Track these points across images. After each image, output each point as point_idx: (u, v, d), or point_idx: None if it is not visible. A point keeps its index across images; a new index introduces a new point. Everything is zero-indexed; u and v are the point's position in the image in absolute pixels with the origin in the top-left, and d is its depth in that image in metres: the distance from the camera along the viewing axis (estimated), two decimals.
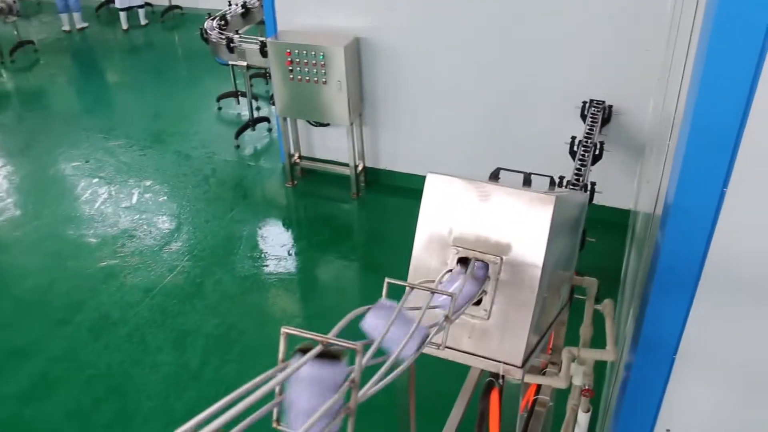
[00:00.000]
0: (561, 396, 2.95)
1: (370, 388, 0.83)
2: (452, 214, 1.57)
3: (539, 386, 2.82)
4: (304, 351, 0.78)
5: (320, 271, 5.74)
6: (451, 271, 1.43)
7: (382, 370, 0.89)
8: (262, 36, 7.67)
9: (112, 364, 4.61)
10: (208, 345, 4.75)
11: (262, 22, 7.93)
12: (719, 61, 1.56)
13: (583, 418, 2.87)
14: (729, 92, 1.57)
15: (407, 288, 1.15)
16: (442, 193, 1.58)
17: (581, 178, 3.95)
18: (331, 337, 0.81)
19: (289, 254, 5.84)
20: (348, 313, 0.94)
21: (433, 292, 1.14)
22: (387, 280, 1.13)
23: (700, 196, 1.71)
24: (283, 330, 0.82)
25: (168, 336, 4.85)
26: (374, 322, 0.94)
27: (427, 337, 1.06)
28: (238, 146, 7.59)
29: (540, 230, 1.49)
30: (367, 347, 0.91)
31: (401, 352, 0.93)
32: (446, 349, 1.57)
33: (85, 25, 12.14)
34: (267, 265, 5.65)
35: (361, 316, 0.99)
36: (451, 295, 1.16)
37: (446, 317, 1.15)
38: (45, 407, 4.29)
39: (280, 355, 0.82)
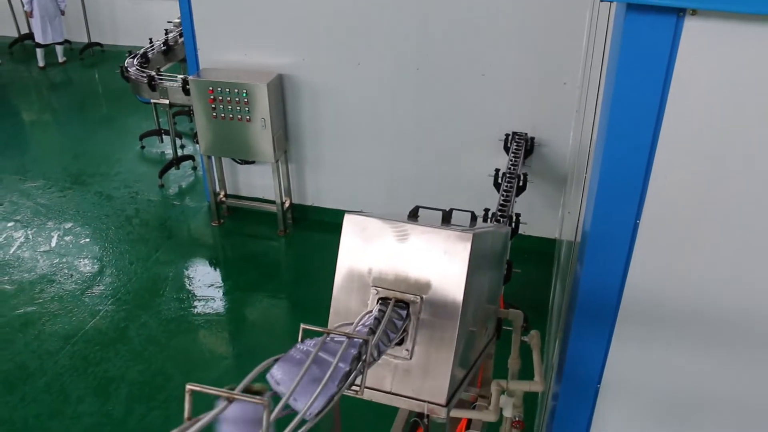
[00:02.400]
0: (493, 429, 2.95)
1: None
2: (371, 254, 1.55)
3: (470, 420, 2.82)
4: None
5: (248, 310, 5.63)
6: (370, 312, 1.41)
7: (292, 424, 0.85)
8: (184, 73, 7.58)
9: (28, 418, 4.38)
10: (133, 392, 4.58)
11: (184, 60, 7.84)
12: (626, 94, 1.61)
13: None
14: (637, 124, 1.62)
15: (324, 334, 1.12)
16: (360, 234, 1.57)
17: (506, 210, 4.01)
18: (236, 392, 0.77)
19: (217, 294, 5.72)
20: (269, 357, 0.91)
21: (349, 336, 1.11)
22: (302, 326, 1.11)
23: (614, 228, 1.75)
24: (188, 387, 0.78)
25: (90, 384, 4.66)
26: (283, 374, 0.91)
27: (341, 388, 1.04)
28: (162, 186, 7.43)
29: (458, 268, 1.49)
30: (276, 399, 0.88)
31: (312, 405, 0.90)
32: (367, 390, 1.55)
33: None
34: (194, 307, 5.51)
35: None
36: (366, 339, 1.14)
37: (363, 362, 1.13)
38: None
39: (186, 414, 0.78)
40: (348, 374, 1.07)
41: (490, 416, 2.41)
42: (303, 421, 0.87)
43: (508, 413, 2.71)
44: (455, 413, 2.49)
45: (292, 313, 5.57)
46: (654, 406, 2.09)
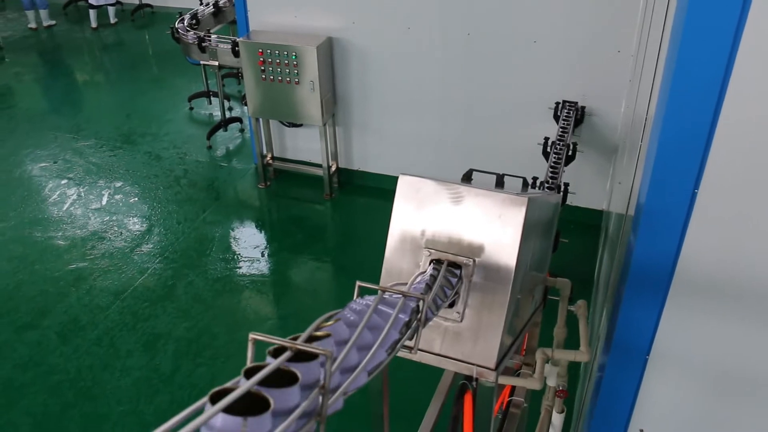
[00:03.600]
0: (535, 397, 2.95)
1: (339, 396, 0.80)
2: (424, 215, 1.55)
3: (513, 387, 2.82)
4: (275, 355, 0.76)
5: (293, 272, 5.70)
6: (423, 273, 1.41)
7: (360, 367, 0.86)
8: (234, 35, 7.61)
9: (82, 369, 4.52)
10: (180, 348, 4.69)
11: (234, 22, 7.87)
12: (690, 64, 1.56)
13: (557, 419, 2.87)
14: (700, 94, 1.57)
15: (379, 291, 1.12)
16: (414, 195, 1.57)
17: (555, 179, 3.96)
18: (300, 342, 0.78)
19: (262, 256, 5.79)
20: (319, 317, 0.92)
21: (404, 295, 1.12)
22: (358, 283, 1.11)
23: (671, 198, 1.71)
24: (251, 336, 0.79)
25: (139, 340, 4.78)
26: (344, 325, 0.92)
27: (398, 342, 1.04)
28: (210, 147, 7.51)
29: (513, 232, 1.48)
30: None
31: (372, 358, 0.91)
32: (419, 352, 1.56)
33: (53, 22, 11.94)
34: (240, 267, 5.59)
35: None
36: (422, 298, 1.14)
37: (418, 321, 1.13)
38: (11, 414, 4.20)
39: (249, 361, 0.79)
40: (407, 325, 1.08)
41: (534, 384, 2.41)
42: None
43: (552, 382, 2.71)
44: (501, 380, 2.50)
45: (336, 276, 5.61)
46: (703, 380, 2.06)
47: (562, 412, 2.83)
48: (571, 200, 4.63)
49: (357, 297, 1.10)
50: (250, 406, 0.66)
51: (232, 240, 6.02)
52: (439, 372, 2.15)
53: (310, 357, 0.77)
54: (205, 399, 0.65)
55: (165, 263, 5.60)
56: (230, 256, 5.74)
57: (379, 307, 1.04)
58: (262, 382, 0.69)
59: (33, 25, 11.76)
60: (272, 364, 0.71)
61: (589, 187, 5.58)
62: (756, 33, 1.46)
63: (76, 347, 4.70)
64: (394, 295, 1.12)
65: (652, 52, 2.86)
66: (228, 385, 0.68)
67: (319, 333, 0.85)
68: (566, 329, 2.74)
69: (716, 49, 1.51)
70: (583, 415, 2.92)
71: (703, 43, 1.52)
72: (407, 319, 1.08)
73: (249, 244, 5.97)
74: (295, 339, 0.81)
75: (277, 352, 0.77)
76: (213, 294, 5.25)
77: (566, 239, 3.43)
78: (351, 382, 0.84)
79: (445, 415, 2.02)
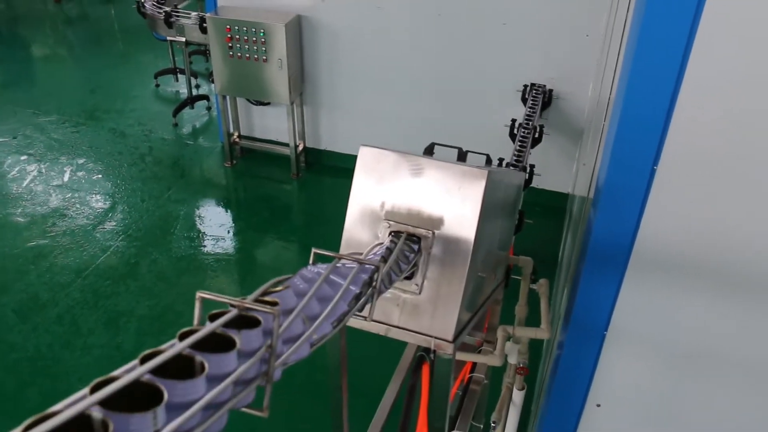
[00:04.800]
0: (497, 374, 2.98)
1: (279, 366, 0.79)
2: (384, 187, 1.54)
3: (474, 364, 2.84)
4: (219, 317, 0.74)
5: (259, 251, 5.66)
6: (381, 244, 1.40)
7: (304, 336, 0.85)
8: (201, 11, 7.48)
9: (41, 347, 4.46)
10: (143, 327, 4.64)
11: None
12: (650, 44, 1.57)
13: (517, 396, 2.90)
14: (660, 73, 1.58)
15: (335, 259, 1.11)
16: (375, 167, 1.56)
17: (521, 160, 3.98)
18: (248, 301, 0.77)
19: (228, 234, 5.75)
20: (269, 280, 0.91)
21: (360, 262, 1.11)
22: (314, 249, 1.10)
23: (630, 175, 1.73)
24: (199, 294, 0.77)
25: (100, 317, 4.72)
26: (293, 294, 0.90)
27: (347, 314, 1.03)
28: (176, 124, 7.41)
29: (472, 205, 1.47)
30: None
31: (316, 329, 0.90)
32: (375, 322, 1.56)
33: None
34: (204, 246, 5.54)
35: None
36: (377, 266, 1.13)
37: (373, 288, 1.13)
38: None
39: (195, 321, 0.78)
40: (358, 297, 1.07)
41: (494, 360, 2.43)
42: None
43: (513, 359, 2.73)
44: (460, 356, 2.51)
45: (302, 255, 5.59)
46: (660, 356, 2.09)
47: (522, 389, 2.85)
48: (537, 183, 4.66)
49: (312, 263, 1.09)
50: (187, 371, 0.65)
51: (197, 218, 5.96)
52: (401, 348, 2.15)
53: (253, 325, 0.76)
54: (135, 361, 0.63)
55: (128, 241, 5.52)
56: (195, 234, 5.68)
57: (332, 276, 1.03)
58: (202, 347, 0.68)
59: None
60: (209, 326, 0.70)
61: (555, 169, 5.61)
62: (715, 12, 1.47)
63: (36, 325, 4.63)
64: (349, 265, 1.11)
65: (618, 35, 2.88)
66: (163, 347, 0.66)
67: (266, 299, 0.83)
68: (528, 307, 2.76)
69: (676, 29, 1.52)
70: (544, 392, 2.95)
71: (663, 23, 1.53)
72: (358, 291, 1.07)
73: (214, 222, 5.91)
74: (244, 299, 0.79)
75: (216, 317, 0.75)
76: (177, 272, 5.20)
77: (531, 220, 3.46)
78: (293, 353, 0.82)
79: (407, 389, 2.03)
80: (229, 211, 6.23)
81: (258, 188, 6.58)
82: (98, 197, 6.14)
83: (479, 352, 2.64)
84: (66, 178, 6.42)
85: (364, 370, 2.99)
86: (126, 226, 5.73)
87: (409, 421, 1.88)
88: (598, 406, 2.26)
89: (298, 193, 6.47)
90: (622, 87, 1.76)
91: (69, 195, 6.13)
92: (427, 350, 1.62)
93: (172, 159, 6.84)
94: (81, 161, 6.72)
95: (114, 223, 5.75)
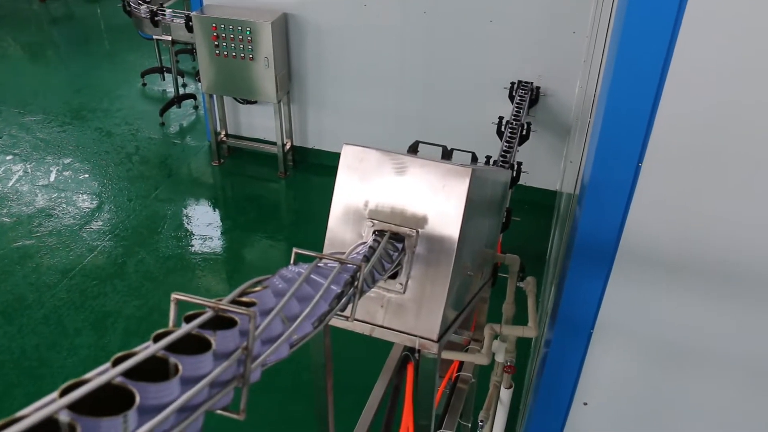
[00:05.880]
0: (484, 373, 2.97)
1: (257, 366, 0.78)
2: (368, 186, 1.53)
3: (462, 363, 2.84)
4: (193, 318, 0.73)
5: (246, 250, 5.64)
6: (364, 243, 1.39)
7: (283, 337, 0.84)
8: (188, 10, 7.44)
9: (27, 348, 4.42)
10: (130, 327, 4.61)
11: None
12: (634, 40, 1.57)
13: (505, 395, 2.89)
14: (644, 68, 1.58)
15: (317, 258, 1.10)
16: (358, 165, 1.55)
17: (508, 158, 3.97)
18: (223, 303, 0.76)
19: (215, 234, 5.72)
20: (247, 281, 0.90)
21: (341, 262, 1.10)
22: (295, 249, 1.09)
23: (615, 171, 1.72)
24: (174, 296, 0.76)
25: (87, 318, 4.69)
26: (271, 294, 0.89)
27: (327, 314, 1.02)
28: (163, 124, 7.36)
29: (456, 203, 1.47)
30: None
31: (296, 330, 0.88)
32: (359, 322, 1.55)
33: None
34: (192, 245, 5.51)
35: None
36: (359, 265, 1.12)
37: (354, 287, 1.12)
38: None
39: (171, 323, 0.77)
40: (340, 296, 1.06)
41: (482, 359, 2.42)
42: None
43: (500, 358, 2.73)
44: (447, 355, 2.50)
45: (289, 254, 5.54)
46: (647, 353, 2.09)
47: (510, 387, 2.85)
48: (525, 180, 4.65)
49: (293, 263, 1.07)
50: (161, 373, 0.64)
51: (184, 218, 5.93)
52: (388, 348, 2.14)
53: (229, 326, 0.74)
54: (108, 364, 0.62)
55: (115, 241, 5.49)
56: (182, 234, 5.65)
57: (312, 276, 1.02)
58: (177, 350, 0.67)
59: None
60: (184, 328, 0.69)
61: (543, 167, 5.62)
62: (698, 7, 1.46)
63: (21, 326, 4.59)
64: (330, 264, 1.10)
65: (603, 32, 2.88)
66: (136, 349, 0.65)
67: (244, 299, 0.82)
68: (515, 305, 2.75)
69: (659, 24, 1.52)
70: (531, 391, 2.95)
71: (646, 18, 1.53)
72: (339, 290, 1.06)
73: (202, 222, 5.89)
74: (220, 301, 0.78)
75: (192, 318, 0.74)
76: (164, 272, 5.17)
77: (519, 218, 3.45)
78: (271, 353, 0.81)
79: (392, 388, 2.02)
80: (216, 210, 6.21)
81: (245, 187, 6.55)
82: (85, 197, 6.10)
83: (466, 350, 2.63)
84: (52, 177, 6.37)
85: (352, 368, 2.98)
86: (113, 225, 5.69)
87: (393, 420, 1.88)
88: (585, 404, 2.26)
89: (286, 192, 6.44)
90: (607, 83, 1.76)
91: (55, 195, 6.08)
92: (411, 350, 1.61)
93: (159, 158, 6.80)
94: (67, 161, 6.67)
95: (101, 223, 5.71)
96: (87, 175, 6.47)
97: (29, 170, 6.48)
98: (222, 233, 5.76)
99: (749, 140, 1.58)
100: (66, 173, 6.46)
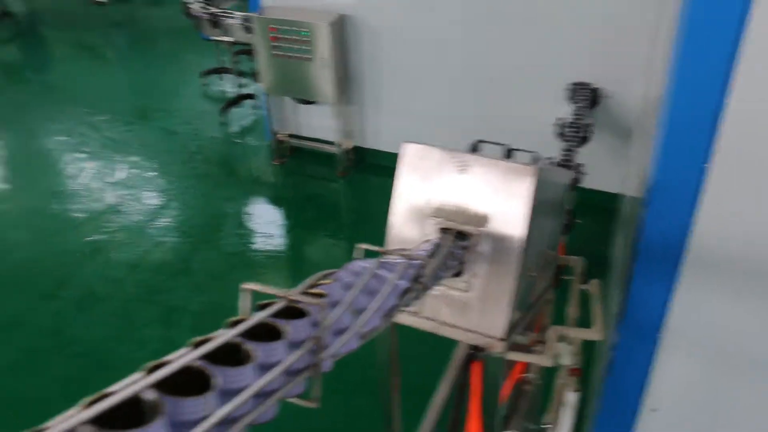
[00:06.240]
0: (549, 376, 2.95)
1: (338, 347, 0.80)
2: (430, 184, 1.54)
3: (527, 365, 2.81)
4: (266, 307, 0.75)
5: (307, 249, 5.71)
6: (428, 241, 1.40)
7: (353, 328, 0.86)
8: (247, 11, 7.56)
9: (97, 340, 4.57)
10: (196, 322, 4.72)
11: None
12: (700, 37, 1.53)
13: (571, 398, 2.86)
14: (710, 66, 1.55)
15: (381, 254, 1.12)
16: (419, 164, 1.55)
17: (569, 159, 3.92)
18: (294, 293, 0.78)
19: (276, 232, 5.81)
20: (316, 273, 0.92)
21: (407, 257, 1.11)
22: (358, 245, 1.11)
23: (681, 172, 1.69)
24: (244, 286, 0.79)
25: (154, 312, 4.82)
26: (340, 287, 0.91)
27: (395, 308, 1.03)
28: (224, 123, 7.51)
29: (522, 202, 1.46)
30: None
31: (367, 322, 0.90)
32: (425, 319, 1.56)
33: None
34: (254, 243, 5.61)
35: None
36: (424, 261, 1.13)
37: (420, 283, 1.13)
38: (31, 380, 4.27)
39: (241, 312, 0.79)
40: (406, 291, 1.07)
41: (546, 361, 2.39)
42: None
43: (565, 360, 2.69)
44: (511, 356, 2.48)
45: (350, 253, 5.57)
46: (717, 359, 2.04)
47: (576, 391, 2.81)
48: (586, 182, 4.58)
49: (357, 259, 1.09)
50: (237, 359, 0.66)
51: (246, 216, 6.04)
52: (452, 348, 2.14)
53: (300, 316, 0.76)
54: (187, 347, 0.65)
55: (181, 237, 5.63)
56: (245, 231, 5.76)
57: (379, 271, 1.03)
58: (250, 337, 0.69)
59: None
60: (257, 316, 0.71)
61: (604, 169, 5.51)
62: (765, 6, 1.43)
63: (92, 318, 4.75)
64: (395, 260, 1.11)
65: (667, 31, 2.82)
66: (213, 334, 0.68)
67: (313, 291, 0.84)
68: (579, 308, 2.72)
69: (725, 19, 1.48)
70: (597, 396, 2.91)
71: (712, 14, 1.49)
72: (406, 285, 1.07)
73: (263, 220, 5.99)
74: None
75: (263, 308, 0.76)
76: (228, 268, 5.28)
77: (581, 220, 3.41)
78: (342, 345, 0.83)
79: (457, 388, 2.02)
80: (277, 208, 6.30)
81: (305, 186, 6.63)
82: (151, 194, 6.27)
83: (531, 352, 2.61)
84: (120, 175, 6.56)
85: (414, 366, 2.99)
86: (179, 222, 5.84)
87: (459, 419, 1.88)
88: (654, 410, 2.21)
89: (345, 192, 6.50)
90: (671, 82, 1.72)
91: (123, 192, 6.27)
92: (477, 349, 1.61)
93: (221, 157, 6.94)
94: (134, 159, 6.87)
95: (167, 220, 5.86)
96: (153, 174, 6.65)
97: (99, 168, 6.70)
98: (283, 231, 5.84)
99: None
100: (133, 171, 6.65)
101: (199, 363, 0.62)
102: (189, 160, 6.82)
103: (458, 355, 2.02)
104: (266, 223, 5.91)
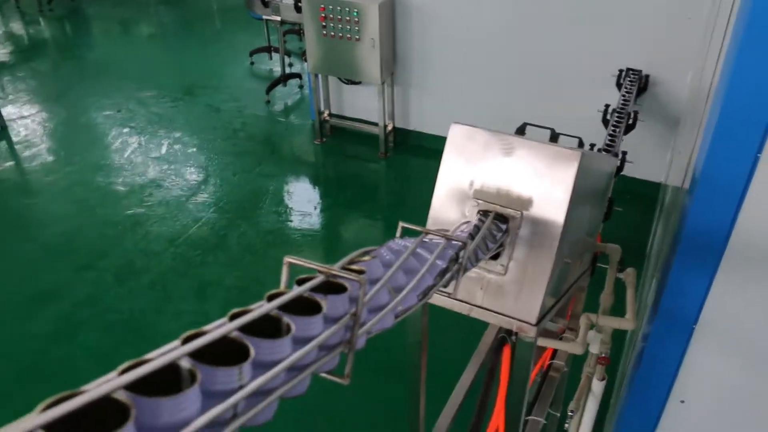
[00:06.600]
0: (577, 363, 2.93)
1: (363, 333, 0.80)
2: (474, 166, 1.53)
3: (555, 351, 2.80)
4: (305, 282, 0.76)
5: (344, 228, 5.74)
6: (468, 222, 1.40)
7: (390, 306, 0.86)
8: None
9: (135, 311, 4.67)
10: (230, 296, 4.79)
11: None
12: (760, 26, 1.49)
13: (597, 386, 2.84)
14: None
15: (422, 233, 1.12)
16: (465, 144, 1.55)
17: (613, 146, 3.87)
18: (334, 268, 0.79)
19: (314, 210, 5.85)
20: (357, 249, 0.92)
21: (447, 238, 1.11)
22: (401, 223, 1.11)
23: (731, 162, 1.66)
24: (286, 259, 0.79)
25: (191, 285, 4.90)
26: (380, 264, 0.92)
27: (432, 288, 1.03)
28: (268, 102, 7.56)
29: (564, 187, 1.45)
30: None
31: (402, 300, 0.90)
32: (458, 301, 1.56)
33: None
34: (292, 221, 5.66)
35: None
36: (465, 242, 1.13)
37: (459, 264, 1.13)
38: (68, 348, 4.37)
39: (282, 285, 0.80)
40: (444, 272, 1.07)
41: (576, 348, 2.38)
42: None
43: (594, 348, 2.68)
44: (542, 342, 2.48)
45: (387, 234, 5.62)
46: (752, 353, 2.01)
47: (602, 379, 2.79)
48: (628, 171, 4.50)
49: (399, 236, 1.09)
50: (273, 332, 0.67)
51: (285, 194, 6.08)
52: (481, 330, 2.14)
53: (339, 291, 0.77)
54: (225, 318, 0.66)
55: (219, 213, 5.70)
56: (283, 209, 5.80)
57: (418, 250, 1.04)
58: (288, 310, 0.70)
59: None
60: (296, 290, 0.72)
61: (648, 158, 5.43)
62: None
63: (131, 289, 4.85)
64: (436, 240, 1.12)
65: (723, 19, 2.75)
66: (251, 306, 0.69)
67: (353, 267, 0.85)
68: (613, 296, 2.69)
69: None
70: (624, 385, 2.89)
71: None
72: (444, 266, 1.07)
73: (302, 198, 6.04)
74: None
75: (303, 282, 0.77)
76: (264, 245, 5.33)
77: (620, 208, 3.36)
78: (377, 322, 0.83)
79: (486, 371, 2.02)
80: (316, 187, 6.34)
81: (346, 166, 6.65)
82: (192, 170, 6.35)
83: (561, 338, 2.60)
84: (163, 150, 6.66)
85: (442, 347, 2.99)
86: (217, 198, 5.91)
87: (487, 402, 1.88)
88: (682, 402, 2.19)
89: (386, 173, 6.50)
90: (727, 70, 1.69)
91: (165, 167, 6.36)
92: (509, 332, 1.61)
93: (264, 135, 7.00)
94: (177, 134, 6.96)
95: (206, 196, 5.94)
96: (195, 149, 6.73)
97: (143, 143, 6.80)
98: (321, 210, 5.88)
99: None
100: (176, 146, 6.74)
101: (235, 334, 0.63)
102: (232, 137, 6.89)
103: (488, 339, 2.02)
104: (305, 202, 5.95)
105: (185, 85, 8.07)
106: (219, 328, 0.63)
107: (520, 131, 2.04)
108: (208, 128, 7.08)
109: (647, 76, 5.19)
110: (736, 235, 1.75)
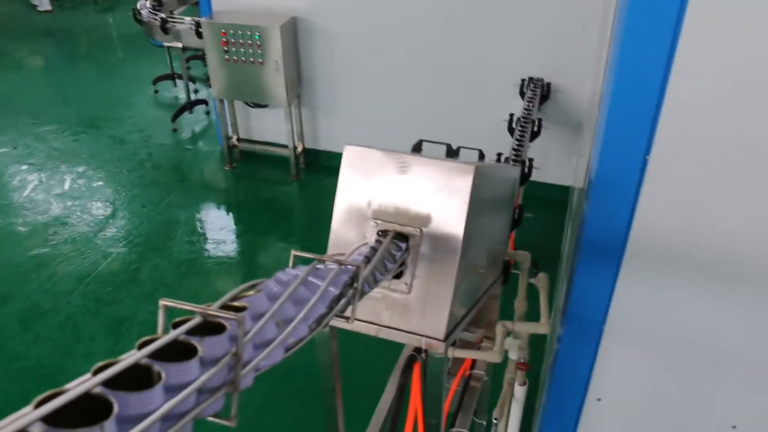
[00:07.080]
0: (499, 370, 2.95)
1: (250, 371, 0.77)
2: (371, 186, 1.52)
3: (474, 361, 2.81)
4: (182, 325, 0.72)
5: (260, 253, 5.65)
6: (366, 244, 1.38)
7: (276, 341, 0.83)
8: (197, 16, 7.46)
9: (42, 356, 4.45)
10: (144, 332, 4.55)
11: (197, 3, 7.70)
12: (638, 28, 1.54)
13: (519, 392, 2.87)
14: (647, 57, 1.55)
15: (315, 261, 1.09)
16: (360, 165, 1.54)
17: (519, 154, 3.94)
18: (212, 308, 0.75)
19: (229, 237, 5.74)
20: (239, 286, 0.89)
21: (340, 263, 1.08)
22: (293, 252, 1.08)
23: (622, 164, 1.70)
24: (161, 303, 0.75)
25: (102, 324, 4.71)
26: (265, 298, 0.88)
27: (325, 316, 1.01)
28: (175, 130, 7.40)
29: (460, 201, 1.45)
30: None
31: (291, 333, 0.87)
32: (365, 323, 1.54)
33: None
34: (206, 250, 5.53)
35: None
36: (358, 267, 1.11)
37: (354, 288, 1.10)
38: None
39: (159, 329, 0.76)
40: (339, 298, 1.04)
41: (494, 357, 2.39)
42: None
43: (513, 355, 2.70)
44: (459, 353, 2.48)
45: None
46: (659, 350, 2.06)
47: (523, 384, 2.82)
48: (537, 176, 4.61)
49: (292, 266, 1.06)
50: (144, 381, 0.63)
51: (197, 222, 5.95)
52: (398, 349, 2.12)
53: (219, 331, 0.73)
54: (88, 375, 0.61)
55: (129, 247, 5.51)
56: (196, 238, 5.67)
57: (310, 278, 1.01)
58: (164, 356, 0.66)
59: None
60: (170, 334, 0.68)
61: (555, 163, 5.58)
62: (699, 6, 1.44)
63: (38, 334, 4.62)
64: (330, 266, 1.09)
65: (610, 25, 2.85)
66: (120, 358, 0.64)
67: (235, 303, 0.81)
68: (527, 302, 2.73)
69: (663, 13, 1.49)
70: (544, 388, 2.93)
71: (650, 7, 1.50)
72: (338, 292, 1.05)
73: (215, 226, 5.91)
74: (210, 306, 0.77)
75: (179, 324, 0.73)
76: (178, 277, 5.19)
77: (532, 214, 3.42)
78: (264, 358, 0.80)
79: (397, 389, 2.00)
80: (229, 214, 6.23)
81: (258, 190, 6.56)
82: (99, 204, 6.13)
83: (479, 348, 2.61)
84: (66, 186, 6.41)
85: (366, 371, 2.97)
86: (127, 232, 5.72)
87: (397, 422, 1.86)
88: (599, 400, 2.23)
89: (299, 194, 6.45)
90: (612, 75, 1.73)
91: (70, 203, 6.12)
92: (419, 350, 1.59)
93: (172, 164, 6.83)
94: (81, 169, 6.72)
95: (115, 230, 5.74)
96: (101, 183, 6.51)
97: (44, 179, 6.53)
98: (235, 237, 5.77)
99: (763, 129, 1.55)
100: (80, 181, 6.50)
101: (99, 389, 0.58)
102: (138, 168, 6.70)
103: (402, 358, 2.01)
104: (218, 229, 5.83)
105: (87, 117, 7.81)
106: (79, 386, 0.58)
107: (417, 148, 2.03)
108: (113, 161, 6.86)
109: (549, 84, 5.33)
110: (634, 236, 1.80)
